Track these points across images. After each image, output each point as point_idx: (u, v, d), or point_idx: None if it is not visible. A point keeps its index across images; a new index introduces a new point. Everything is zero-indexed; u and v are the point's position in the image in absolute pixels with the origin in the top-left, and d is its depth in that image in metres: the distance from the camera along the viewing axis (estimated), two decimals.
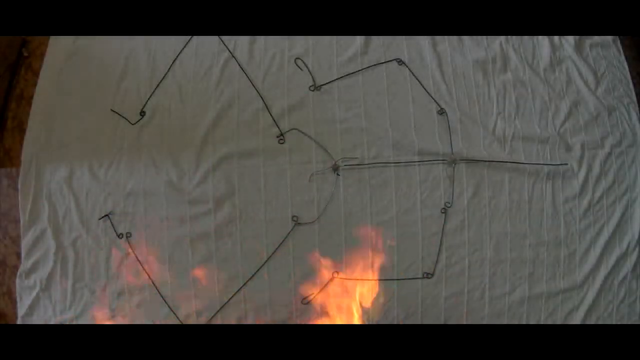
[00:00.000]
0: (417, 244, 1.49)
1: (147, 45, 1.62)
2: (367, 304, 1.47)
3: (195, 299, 1.49)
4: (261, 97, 1.55)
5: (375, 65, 1.59)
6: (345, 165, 1.51)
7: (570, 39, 1.64)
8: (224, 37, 1.60)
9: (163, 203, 1.50)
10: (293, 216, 1.50)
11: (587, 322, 1.51)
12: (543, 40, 1.64)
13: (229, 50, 1.59)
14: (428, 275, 1.49)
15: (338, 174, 1.51)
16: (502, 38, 1.63)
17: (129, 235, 1.51)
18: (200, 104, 1.55)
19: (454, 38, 1.62)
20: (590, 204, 1.54)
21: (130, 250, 1.50)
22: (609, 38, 1.68)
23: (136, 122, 1.55)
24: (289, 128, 1.53)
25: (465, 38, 1.62)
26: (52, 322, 1.51)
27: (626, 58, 1.67)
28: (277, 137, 1.53)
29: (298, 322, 1.48)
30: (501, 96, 1.58)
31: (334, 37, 1.60)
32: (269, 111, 1.54)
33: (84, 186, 1.53)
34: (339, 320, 1.48)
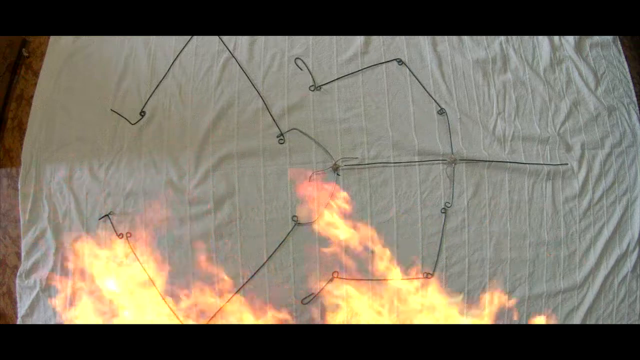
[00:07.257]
0: (417, 244, 1.49)
1: (147, 45, 1.62)
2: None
3: (195, 298, 1.49)
4: (261, 97, 1.55)
5: (375, 65, 1.58)
6: (345, 165, 1.51)
7: (570, 39, 1.64)
8: (224, 37, 1.60)
9: (163, 203, 1.50)
10: (293, 216, 1.50)
11: (587, 322, 1.51)
12: (543, 40, 1.64)
13: (229, 50, 1.59)
14: (428, 275, 1.49)
15: (338, 174, 1.51)
16: (502, 38, 1.63)
17: (129, 235, 1.51)
18: (200, 104, 1.55)
19: (454, 38, 1.62)
20: (590, 204, 1.54)
21: (130, 250, 1.50)
22: (609, 38, 1.68)
23: (136, 122, 1.55)
24: (289, 128, 1.53)
25: (465, 38, 1.62)
26: (52, 322, 1.51)
27: (626, 58, 1.67)
28: (277, 137, 1.53)
29: (298, 322, 1.48)
30: (501, 96, 1.58)
31: (334, 37, 1.60)
32: (269, 111, 1.54)
33: (84, 186, 1.53)
34: (338, 320, 1.48)
